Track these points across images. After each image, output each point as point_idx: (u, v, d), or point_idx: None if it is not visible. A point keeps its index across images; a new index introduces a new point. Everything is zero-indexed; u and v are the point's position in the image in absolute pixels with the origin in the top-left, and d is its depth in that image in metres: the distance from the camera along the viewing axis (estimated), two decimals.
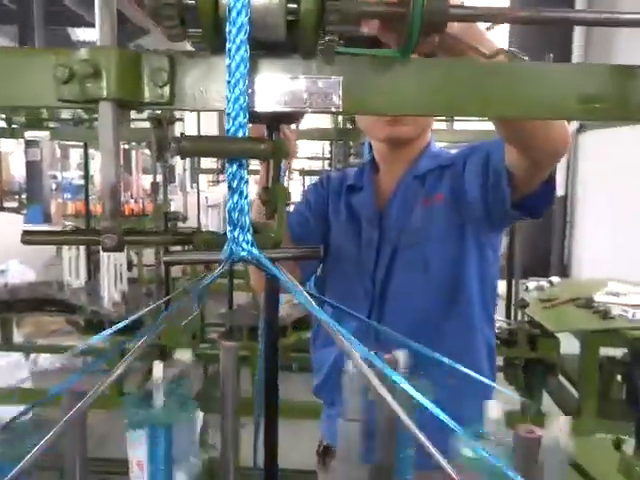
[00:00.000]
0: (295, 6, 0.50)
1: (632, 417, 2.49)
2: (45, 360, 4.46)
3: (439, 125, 3.57)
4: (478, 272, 1.16)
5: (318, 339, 1.28)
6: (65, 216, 6.41)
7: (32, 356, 4.39)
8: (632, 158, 5.36)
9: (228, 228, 0.47)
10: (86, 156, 3.75)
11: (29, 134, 3.31)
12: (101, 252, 3.13)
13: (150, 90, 0.55)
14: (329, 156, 4.10)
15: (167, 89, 0.55)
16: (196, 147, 0.47)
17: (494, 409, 0.59)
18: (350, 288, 1.20)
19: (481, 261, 1.16)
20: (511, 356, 2.53)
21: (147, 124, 3.12)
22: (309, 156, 6.84)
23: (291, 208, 1.40)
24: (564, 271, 7.12)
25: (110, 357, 2.82)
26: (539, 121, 0.82)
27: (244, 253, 0.47)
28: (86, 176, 3.94)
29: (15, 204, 13.22)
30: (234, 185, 0.48)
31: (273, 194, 0.51)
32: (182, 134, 0.47)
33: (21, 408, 0.58)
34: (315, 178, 5.22)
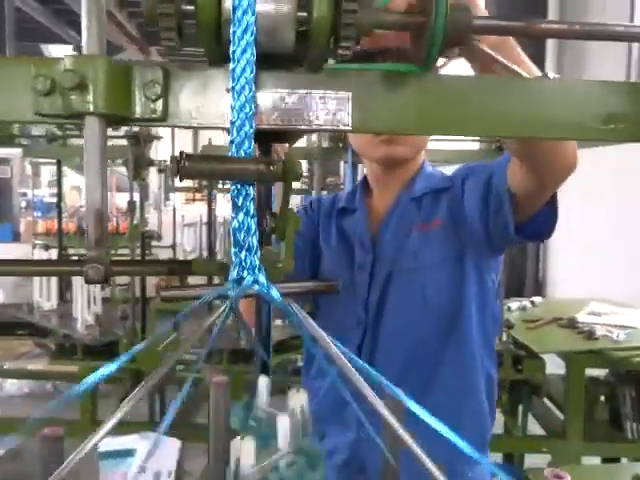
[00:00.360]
0: (305, 15, 0.46)
1: (616, 439, 2.48)
2: (12, 385, 4.29)
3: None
4: (477, 299, 1.11)
5: (312, 367, 1.22)
6: (36, 234, 6.24)
7: None
8: (605, 178, 5.46)
9: (233, 250, 0.42)
10: (59, 174, 3.64)
11: (0, 151, 3.20)
12: None
13: (142, 105, 0.50)
14: (307, 174, 4.04)
15: (160, 103, 0.50)
16: (199, 168, 0.41)
17: None
18: (342, 315, 1.15)
19: (480, 287, 1.11)
20: None
21: (122, 141, 3.04)
22: None
23: None
24: (539, 290, 7.18)
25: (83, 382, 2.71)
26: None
27: (254, 287, 0.41)
28: (59, 194, 3.82)
29: None
30: (239, 202, 0.43)
31: (282, 220, 0.46)
32: (182, 153, 0.42)
33: None
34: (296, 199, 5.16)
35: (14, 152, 3.33)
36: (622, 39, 0.50)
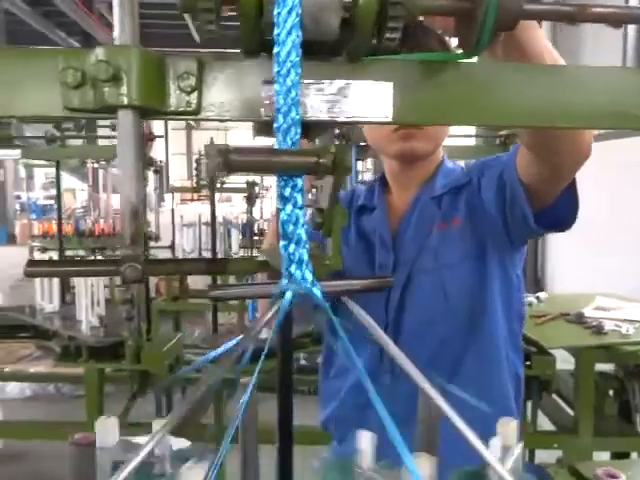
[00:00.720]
0: (349, 0, 0.44)
1: (627, 433, 2.47)
2: (14, 388, 4.26)
3: None
4: (502, 296, 1.08)
5: (331, 367, 1.19)
6: (33, 237, 6.19)
7: (0, 384, 4.19)
8: (604, 172, 5.45)
9: (281, 243, 0.40)
10: (58, 175, 3.61)
11: None
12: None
13: (176, 97, 0.48)
14: None
15: (195, 96, 0.48)
16: (245, 162, 0.39)
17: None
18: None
19: (505, 284, 1.09)
20: None
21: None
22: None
23: None
24: (538, 286, 7.17)
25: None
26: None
27: (303, 285, 0.39)
28: (58, 196, 3.79)
29: None
30: (286, 193, 0.41)
31: (329, 217, 0.44)
32: (227, 146, 0.40)
33: None
34: None
35: (12, 154, 3.29)
36: None
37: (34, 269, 0.46)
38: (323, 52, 0.50)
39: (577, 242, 6.03)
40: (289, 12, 0.41)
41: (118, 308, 3.38)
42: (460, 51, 0.50)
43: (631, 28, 4.53)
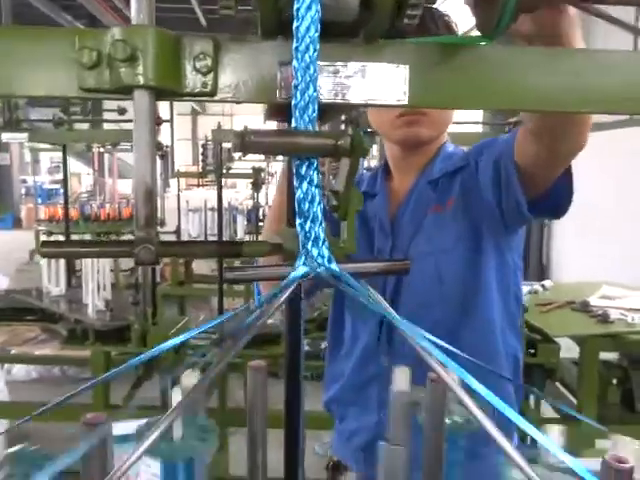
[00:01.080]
0: None
1: (629, 421, 2.48)
2: (20, 370, 4.29)
3: None
4: (498, 279, 1.09)
5: (339, 349, 1.20)
6: (39, 221, 6.21)
7: (6, 366, 4.22)
8: (611, 159, 5.42)
9: (298, 221, 0.40)
10: (65, 159, 3.61)
11: (5, 136, 3.17)
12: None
13: (192, 78, 0.48)
14: None
15: (211, 77, 0.48)
16: (263, 143, 0.39)
17: (554, 432, 0.53)
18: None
19: (501, 267, 1.09)
20: None
21: (128, 125, 3.00)
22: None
23: None
24: (543, 274, 7.17)
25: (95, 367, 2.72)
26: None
27: (320, 268, 0.39)
28: (65, 180, 3.80)
29: None
30: (302, 172, 0.40)
31: (345, 199, 0.44)
32: (246, 127, 0.40)
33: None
34: None
35: (19, 137, 3.28)
36: None
37: (49, 249, 0.46)
38: (339, 35, 0.50)
39: (583, 229, 6.01)
40: None
41: (123, 292, 3.40)
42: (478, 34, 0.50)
43: None
